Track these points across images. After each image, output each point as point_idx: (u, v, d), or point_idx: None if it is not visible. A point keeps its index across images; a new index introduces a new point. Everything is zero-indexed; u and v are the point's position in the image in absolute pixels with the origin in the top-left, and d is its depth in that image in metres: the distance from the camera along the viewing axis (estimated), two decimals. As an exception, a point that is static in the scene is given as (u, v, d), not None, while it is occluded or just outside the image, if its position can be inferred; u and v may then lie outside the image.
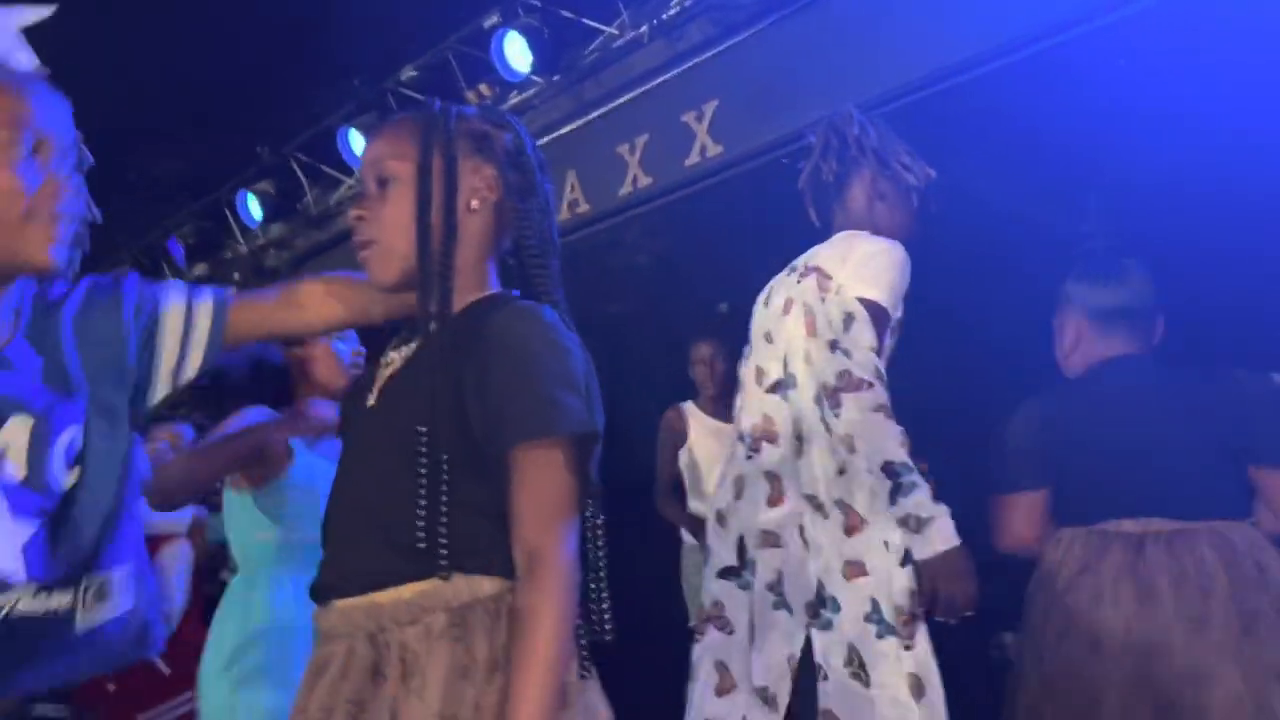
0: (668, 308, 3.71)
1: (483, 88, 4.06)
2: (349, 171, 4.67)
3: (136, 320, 1.26)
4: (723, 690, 1.95)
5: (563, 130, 3.97)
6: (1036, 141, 2.69)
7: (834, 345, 1.90)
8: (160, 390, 1.28)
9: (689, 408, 3.50)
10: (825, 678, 1.86)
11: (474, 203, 1.23)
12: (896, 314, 1.97)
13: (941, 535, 1.82)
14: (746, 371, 2.13)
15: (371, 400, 1.21)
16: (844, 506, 1.89)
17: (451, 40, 3.97)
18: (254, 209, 5.05)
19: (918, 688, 1.82)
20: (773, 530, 1.95)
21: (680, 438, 3.46)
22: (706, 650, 2.00)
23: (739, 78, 3.37)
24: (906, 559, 1.85)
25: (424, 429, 1.11)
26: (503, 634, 1.09)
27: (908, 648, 1.84)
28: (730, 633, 1.97)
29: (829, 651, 1.86)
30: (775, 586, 1.93)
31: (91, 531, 1.17)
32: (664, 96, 3.63)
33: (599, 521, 1.19)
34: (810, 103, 3.14)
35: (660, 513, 3.47)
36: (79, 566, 1.16)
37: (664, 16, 3.51)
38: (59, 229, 1.16)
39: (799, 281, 2.03)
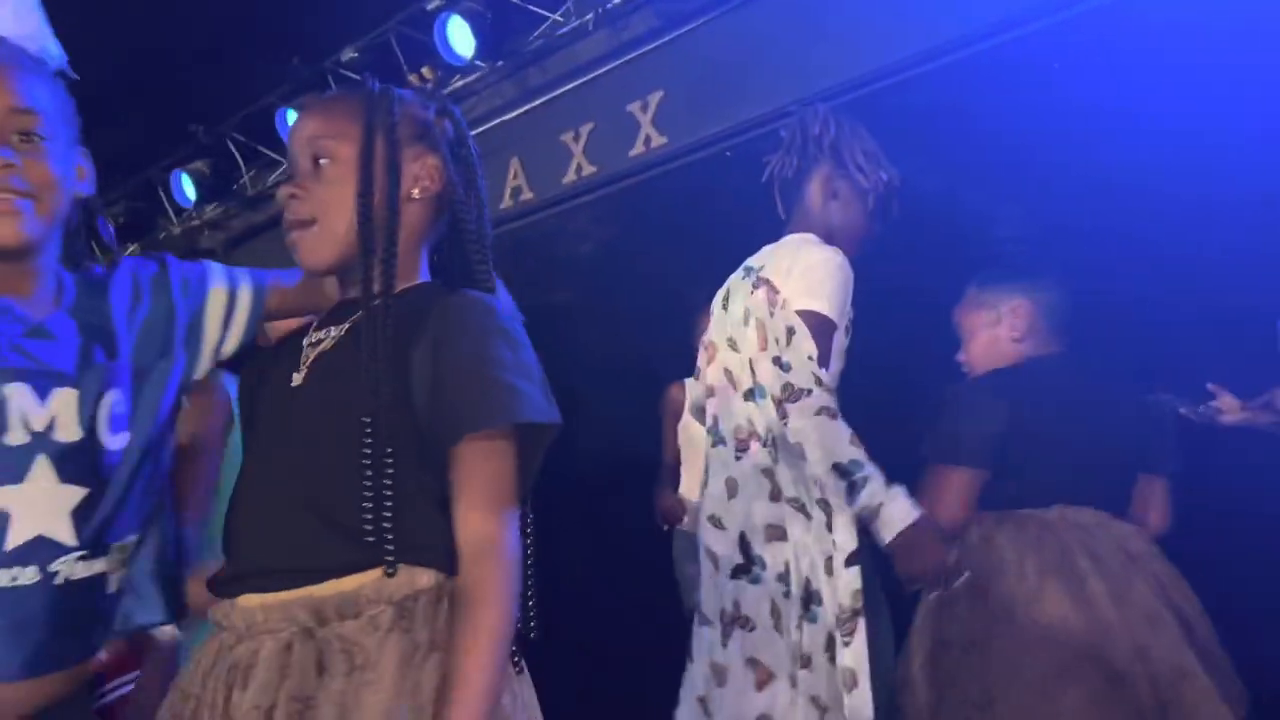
0: (612, 296, 3.71)
1: (425, 71, 4.02)
2: (279, 147, 4.59)
3: (185, 299, 1.28)
4: (761, 684, 1.99)
5: (506, 116, 3.94)
6: (984, 138, 2.73)
7: (777, 360, 1.99)
8: (203, 365, 1.30)
9: (690, 383, 3.40)
10: (809, 666, 1.94)
11: (415, 191, 1.21)
12: (844, 319, 2.04)
13: (899, 515, 1.89)
14: (713, 370, 2.18)
15: (298, 379, 1.16)
16: (825, 505, 1.97)
17: (394, 22, 3.91)
18: (188, 189, 4.93)
19: (851, 680, 1.91)
20: (776, 524, 2.01)
21: (680, 414, 3.34)
22: (734, 652, 2.03)
23: (684, 70, 3.38)
24: (852, 560, 1.92)
25: (368, 419, 1.09)
26: (442, 620, 1.08)
27: (846, 644, 1.91)
28: (753, 629, 2.01)
29: (814, 643, 1.95)
30: (784, 577, 2.00)
31: (132, 496, 1.18)
32: (609, 86, 3.62)
33: (530, 518, 1.19)
34: (755, 96, 3.16)
35: (657, 500, 3.39)
36: (119, 531, 1.17)
37: (608, 6, 3.50)
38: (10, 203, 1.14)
39: (752, 291, 2.09)
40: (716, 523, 2.09)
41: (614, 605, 3.45)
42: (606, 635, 3.33)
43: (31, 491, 1.11)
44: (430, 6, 3.71)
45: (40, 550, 1.11)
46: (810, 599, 1.96)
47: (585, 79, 3.68)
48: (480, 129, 4.00)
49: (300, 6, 3.81)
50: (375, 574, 1.08)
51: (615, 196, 3.68)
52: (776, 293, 2.03)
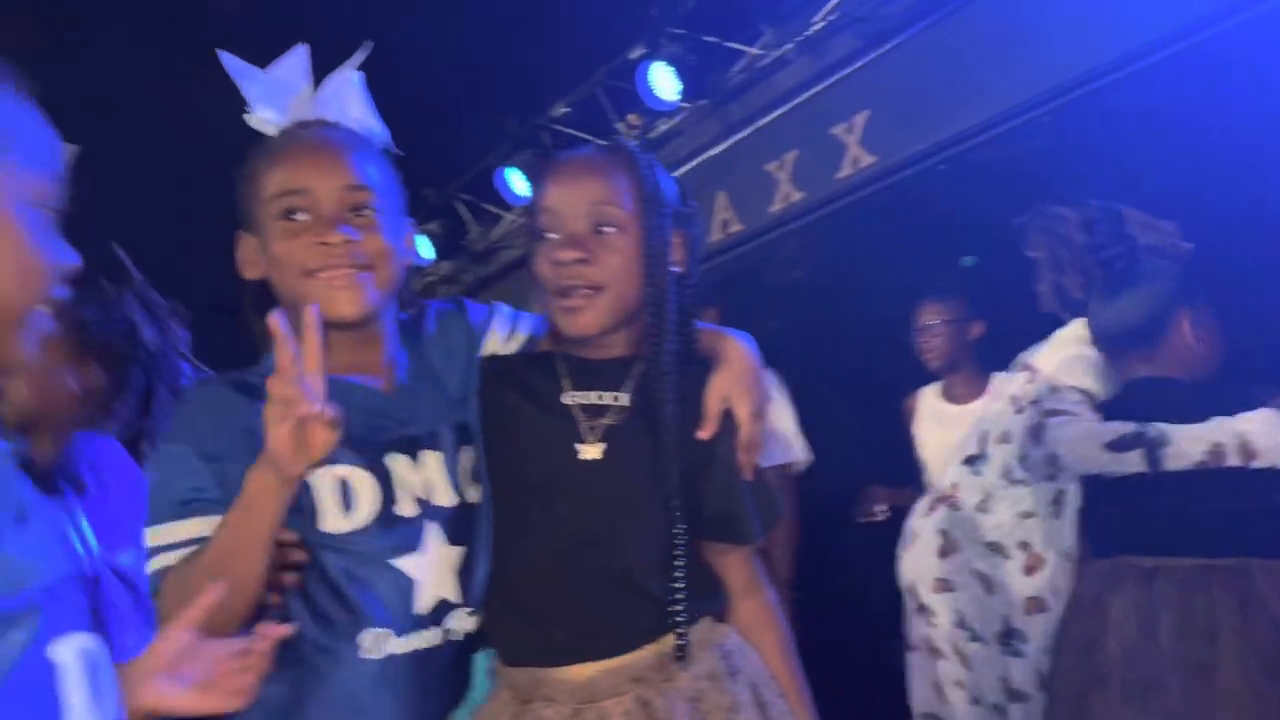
0: (827, 321, 3.68)
1: (631, 118, 4.16)
2: (506, 207, 4.85)
3: (476, 344, 1.37)
4: None
5: (711, 152, 4.01)
6: (1199, 137, 2.55)
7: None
8: None
9: (923, 391, 3.24)
10: (1023, 699, 1.93)
11: (675, 265, 1.28)
12: None
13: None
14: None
15: (593, 452, 1.22)
16: (1026, 548, 2.00)
17: (599, 74, 4.08)
18: (425, 248, 5.30)
19: None
20: (945, 577, 2.12)
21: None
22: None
23: (889, 87, 3.33)
24: None
25: (674, 500, 1.21)
26: (745, 655, 1.28)
27: None
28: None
29: (1024, 678, 1.96)
30: (963, 624, 2.05)
31: (486, 544, 1.25)
32: (812, 111, 3.62)
33: None
34: (965, 107, 3.08)
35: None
36: (482, 580, 1.25)
37: (807, 33, 3.51)
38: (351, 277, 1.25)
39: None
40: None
41: (843, 628, 3.39)
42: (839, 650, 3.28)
43: (430, 558, 1.19)
44: (633, 56, 3.83)
45: (439, 611, 1.19)
46: (1010, 635, 2.10)
47: (787, 107, 3.70)
48: (686, 167, 4.09)
49: (511, 69, 4.04)
50: (693, 629, 1.23)
51: (824, 220, 3.65)
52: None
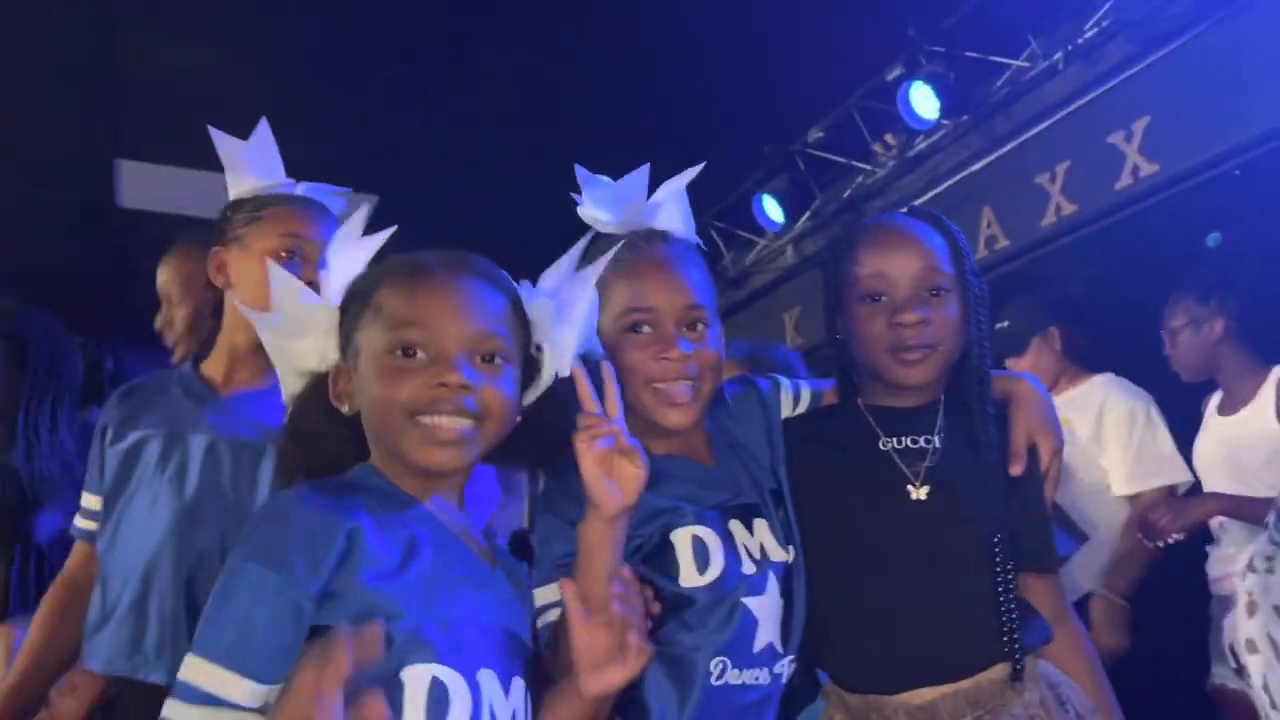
0: (1108, 337, 3.45)
1: (889, 138, 4.10)
2: (761, 233, 4.90)
3: (771, 413, 1.50)
4: None
5: (973, 168, 3.90)
6: None
7: None
8: None
9: (1209, 397, 2.97)
10: None
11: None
12: None
13: None
14: None
15: (920, 493, 1.34)
16: None
17: (855, 97, 4.06)
18: (680, 276, 5.45)
19: None
20: (1252, 638, 1.93)
21: None
22: None
23: (1171, 91, 3.11)
24: None
25: (998, 536, 1.31)
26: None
27: None
28: None
29: None
30: (1266, 688, 1.89)
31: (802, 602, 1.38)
32: (1085, 121, 3.44)
33: None
34: (1259, 108, 2.82)
35: None
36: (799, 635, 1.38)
37: (1079, 41, 3.35)
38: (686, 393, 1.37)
39: None
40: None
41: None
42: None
43: (768, 602, 1.31)
44: (890, 77, 3.79)
45: (767, 654, 1.31)
46: None
47: (1059, 117, 3.53)
48: (948, 183, 3.99)
49: (767, 95, 4.09)
50: (1008, 664, 1.29)
51: (1100, 233, 3.45)
52: None
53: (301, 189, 1.73)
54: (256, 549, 0.96)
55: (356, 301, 1.13)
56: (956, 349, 1.37)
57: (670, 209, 1.41)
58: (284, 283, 1.16)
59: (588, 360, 1.21)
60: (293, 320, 1.16)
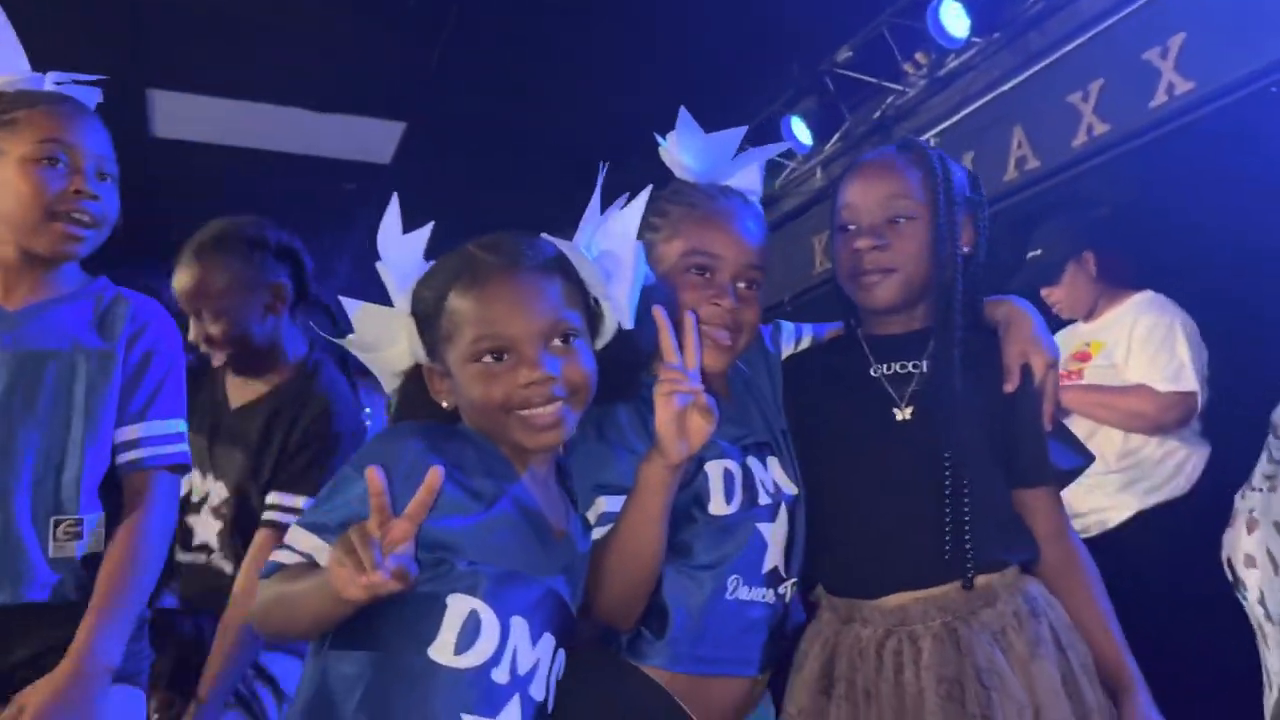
0: (1137, 262, 3.44)
1: (919, 57, 4.05)
2: (791, 155, 4.88)
3: (774, 356, 1.63)
4: None
5: (1005, 87, 3.84)
6: None
7: None
8: None
9: None
10: None
11: (965, 249, 1.46)
12: None
13: None
14: None
15: (904, 415, 1.43)
16: None
17: (886, 15, 4.00)
18: (707, 200, 5.44)
19: None
20: (1251, 553, 1.98)
21: None
22: None
23: (1208, 6, 3.05)
24: None
25: (972, 445, 1.39)
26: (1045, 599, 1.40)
27: None
28: None
29: None
30: (1262, 601, 1.93)
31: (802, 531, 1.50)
32: (1119, 37, 3.38)
33: None
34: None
35: None
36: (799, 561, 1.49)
37: (1115, -46, 3.27)
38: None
39: None
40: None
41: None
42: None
43: (778, 529, 1.43)
44: (921, -7, 3.73)
45: (773, 577, 1.42)
46: None
47: (1092, 34, 3.47)
48: (978, 103, 3.94)
49: (795, 13, 4.04)
50: (998, 575, 1.38)
51: (1132, 154, 3.41)
52: None
53: (51, 82, 1.55)
54: (362, 463, 1.11)
55: (429, 312, 1.24)
56: (922, 273, 1.44)
57: (751, 173, 1.52)
58: (356, 307, 1.28)
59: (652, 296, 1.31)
60: (373, 334, 1.29)
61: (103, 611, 1.38)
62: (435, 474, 1.04)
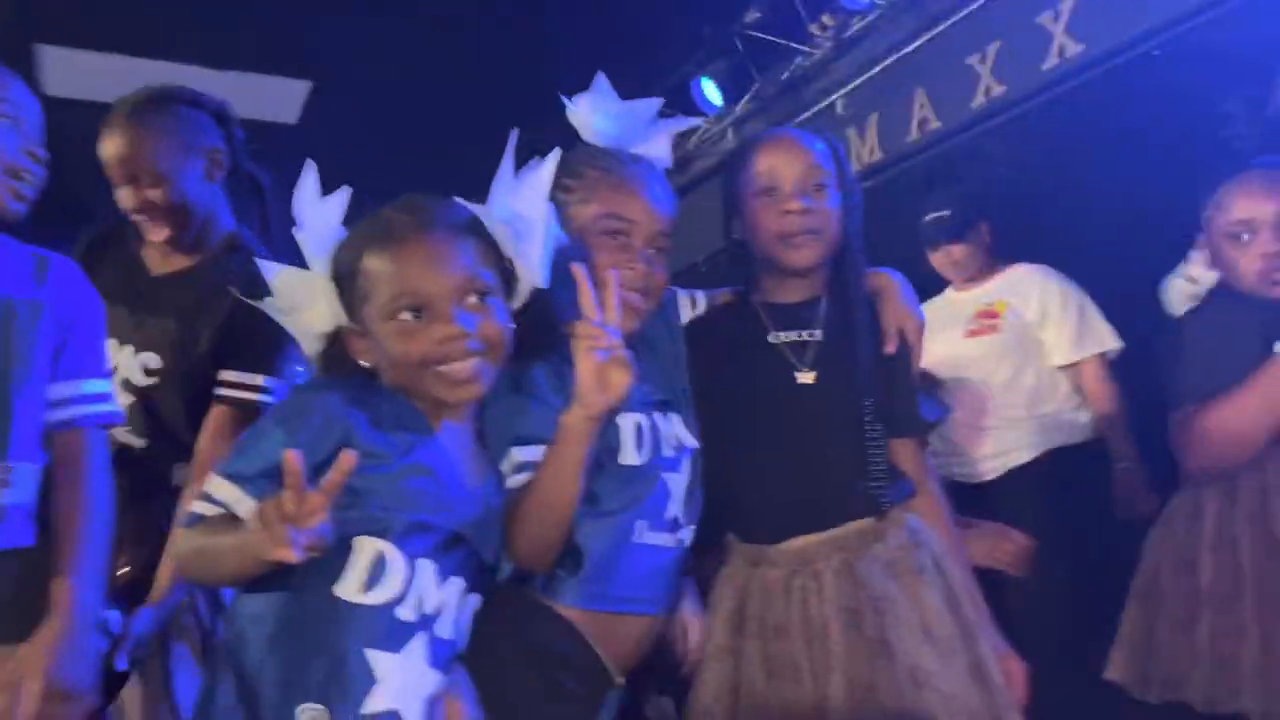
0: (1033, 219, 3.58)
1: (825, 19, 4.11)
2: (702, 116, 4.91)
3: (672, 318, 1.71)
4: None
5: (907, 49, 3.93)
6: None
7: None
8: None
9: None
10: None
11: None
12: None
13: None
14: None
15: (808, 377, 1.56)
16: None
17: (792, -24, 4.04)
18: (621, 161, 5.45)
19: None
20: None
21: None
22: None
23: (1098, -30, 3.17)
24: None
25: (869, 405, 1.53)
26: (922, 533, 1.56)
27: None
28: None
29: None
30: None
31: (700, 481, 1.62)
32: (1014, 1, 3.49)
33: None
34: (1183, -13, 2.90)
35: None
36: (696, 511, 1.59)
37: (1009, -82, 3.36)
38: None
39: None
40: None
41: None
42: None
43: (680, 479, 1.52)
44: (826, -44, 3.78)
45: (675, 524, 1.51)
46: None
47: (988, -2, 3.58)
48: (882, 65, 4.03)
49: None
50: (875, 519, 1.52)
51: (1028, 115, 3.54)
52: None
53: None
54: (281, 415, 1.24)
55: (346, 274, 1.30)
56: (836, 239, 1.57)
57: (663, 143, 1.60)
58: (272, 268, 1.33)
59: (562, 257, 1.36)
60: (292, 296, 1.33)
61: (72, 568, 1.41)
62: (348, 458, 1.09)
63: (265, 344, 1.82)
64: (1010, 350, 3.02)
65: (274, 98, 4.90)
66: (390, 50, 4.50)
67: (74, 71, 4.52)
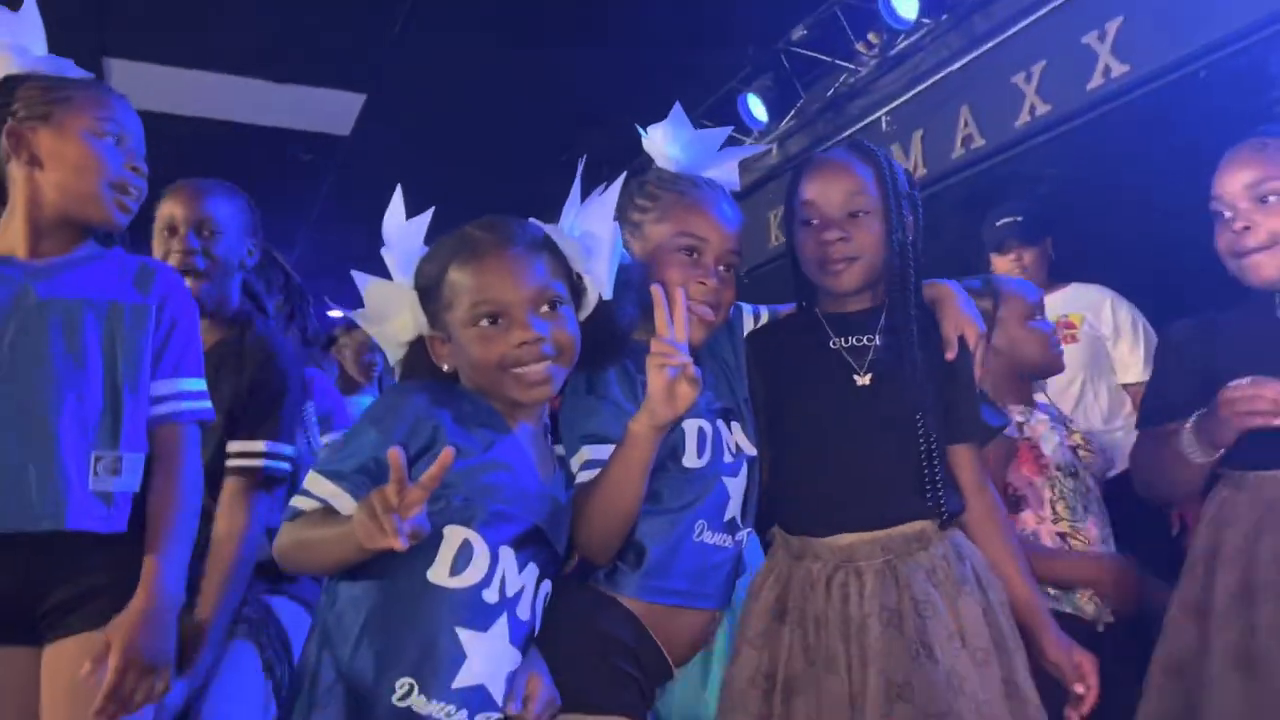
0: (1075, 238, 3.58)
1: (871, 36, 4.15)
2: (747, 132, 4.97)
3: (736, 331, 1.77)
4: None
5: (952, 67, 3.96)
6: None
7: None
8: None
9: None
10: None
11: (909, 237, 1.63)
12: None
13: None
14: None
15: (864, 380, 1.60)
16: None
17: (838, -5, 4.09)
18: (666, 175, 5.50)
19: None
20: None
21: None
22: None
23: (1144, -8, 3.18)
24: None
25: (921, 414, 1.56)
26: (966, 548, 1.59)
27: None
28: None
29: None
30: None
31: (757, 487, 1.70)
32: (1060, 21, 3.51)
33: None
34: (1227, 10, 2.90)
35: None
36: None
37: (1057, -61, 3.39)
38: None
39: None
40: None
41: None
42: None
43: (739, 483, 1.60)
44: (873, -26, 3.82)
45: (732, 525, 1.60)
46: None
47: (1035, 17, 3.60)
48: (927, 83, 4.06)
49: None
50: (928, 522, 1.55)
51: (1072, 134, 3.55)
52: None
53: (47, 64, 1.63)
54: (374, 415, 1.36)
55: (431, 286, 1.43)
56: (878, 260, 1.62)
57: (731, 169, 1.70)
58: (366, 282, 1.46)
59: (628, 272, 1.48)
60: (381, 307, 1.47)
61: (161, 550, 1.51)
62: (448, 454, 1.19)
63: (264, 409, 1.92)
64: (1086, 362, 3.03)
65: (328, 110, 5.04)
66: (441, 65, 4.60)
67: (139, 83, 4.67)
